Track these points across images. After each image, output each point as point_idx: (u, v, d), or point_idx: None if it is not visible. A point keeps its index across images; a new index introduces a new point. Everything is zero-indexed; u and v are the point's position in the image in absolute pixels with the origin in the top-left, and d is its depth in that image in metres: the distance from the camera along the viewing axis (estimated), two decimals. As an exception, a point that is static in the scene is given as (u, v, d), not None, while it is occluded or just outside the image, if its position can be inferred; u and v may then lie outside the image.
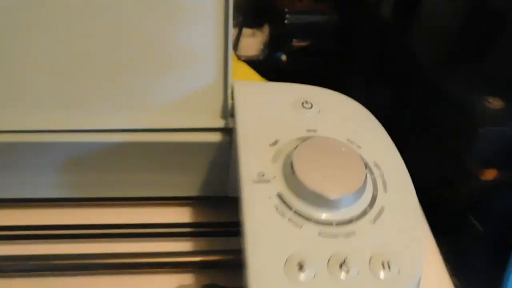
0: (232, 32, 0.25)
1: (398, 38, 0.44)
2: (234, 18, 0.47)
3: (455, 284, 0.29)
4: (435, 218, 0.31)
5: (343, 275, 0.19)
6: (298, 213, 0.20)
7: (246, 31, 0.50)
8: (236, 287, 0.28)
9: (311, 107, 0.26)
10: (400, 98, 0.44)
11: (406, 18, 0.46)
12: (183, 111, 0.27)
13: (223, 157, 0.29)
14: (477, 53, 0.38)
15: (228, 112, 0.27)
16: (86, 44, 0.25)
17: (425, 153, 0.37)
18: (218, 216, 0.33)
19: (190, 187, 0.32)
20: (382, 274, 0.19)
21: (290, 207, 0.21)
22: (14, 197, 0.31)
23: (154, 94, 0.27)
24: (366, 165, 0.23)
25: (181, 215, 0.33)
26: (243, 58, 0.50)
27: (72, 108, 0.27)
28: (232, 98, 0.26)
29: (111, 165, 0.30)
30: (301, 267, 0.19)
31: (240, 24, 0.50)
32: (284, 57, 0.52)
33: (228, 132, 0.27)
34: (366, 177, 0.21)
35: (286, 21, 0.51)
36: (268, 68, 0.51)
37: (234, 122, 0.25)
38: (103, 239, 0.31)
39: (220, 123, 0.27)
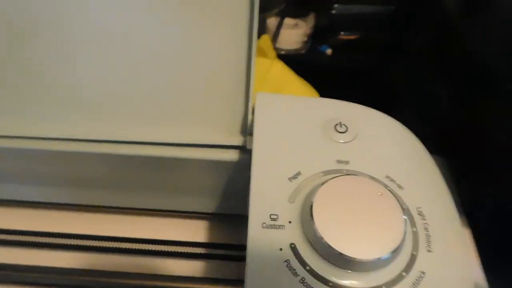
0: (256, 40, 0.21)
1: (464, 33, 0.38)
2: (276, 6, 0.42)
3: None
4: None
5: None
6: (313, 273, 0.16)
7: (288, 21, 0.45)
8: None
9: (346, 130, 0.21)
10: (461, 103, 0.38)
11: (475, 11, 0.39)
12: (200, 125, 0.24)
13: (240, 175, 0.25)
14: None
15: (248, 129, 0.23)
16: (106, 55, 0.22)
17: (488, 166, 0.31)
18: (232, 235, 0.29)
19: (206, 203, 0.29)
20: None
21: (304, 264, 0.17)
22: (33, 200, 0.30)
23: (171, 106, 0.24)
24: (407, 214, 0.18)
25: (195, 230, 0.30)
26: (282, 52, 0.45)
27: (90, 119, 0.24)
28: (253, 113, 0.22)
29: (127, 176, 0.27)
30: None
31: (282, 13, 0.45)
32: (329, 51, 0.47)
33: (247, 151, 0.24)
34: (404, 235, 0.17)
35: (333, 11, 0.45)
36: (310, 63, 0.46)
37: (251, 143, 0.22)
38: (116, 254, 0.29)
39: (238, 140, 0.24)
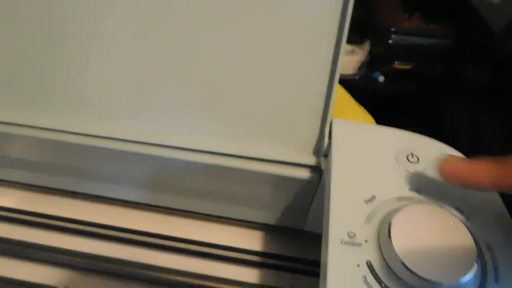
0: (339, 70, 0.23)
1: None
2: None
3: None
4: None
5: None
6: (388, 290, 0.18)
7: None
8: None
9: (417, 161, 0.23)
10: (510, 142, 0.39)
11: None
12: (276, 142, 0.26)
13: (308, 193, 0.27)
14: None
15: (322, 151, 0.25)
16: (188, 67, 0.25)
17: None
18: (290, 248, 0.31)
19: (268, 215, 0.31)
20: None
21: (379, 281, 0.18)
22: (94, 193, 0.33)
23: (247, 120, 0.26)
24: (477, 244, 0.19)
25: (253, 239, 0.32)
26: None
27: (169, 126, 0.27)
28: (329, 137, 0.24)
29: (195, 181, 0.29)
30: None
31: (340, 39, 0.47)
32: (381, 79, 0.49)
33: (317, 170, 0.26)
34: (475, 263, 0.18)
35: (390, 41, 0.47)
36: (363, 89, 0.48)
37: (328, 165, 0.24)
38: (171, 252, 0.31)
39: (311, 160, 0.25)
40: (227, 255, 0.30)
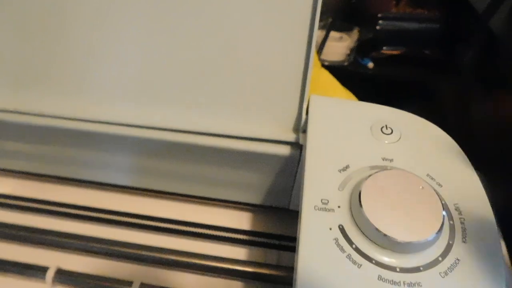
0: (315, 45, 0.24)
1: (509, 53, 0.39)
2: (322, 19, 0.46)
3: None
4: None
5: (400, 329, 0.17)
6: (358, 251, 0.19)
7: (333, 34, 0.48)
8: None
9: (391, 132, 0.23)
10: (502, 120, 0.39)
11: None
12: (256, 121, 0.27)
13: (290, 170, 0.28)
14: None
15: (301, 127, 0.26)
16: (169, 47, 0.26)
17: None
18: (276, 227, 0.32)
19: (253, 195, 0.32)
20: (446, 337, 0.17)
21: (351, 243, 0.19)
22: (90, 179, 0.34)
23: (227, 100, 0.27)
24: (445, 208, 0.20)
25: (240, 220, 0.33)
26: (326, 63, 0.48)
27: (151, 105, 0.28)
28: (307, 113, 0.25)
29: (180, 163, 0.30)
30: (354, 312, 0.17)
31: (328, 26, 0.48)
32: (370, 65, 0.49)
33: (298, 146, 0.26)
34: (442, 222, 0.19)
35: (378, 27, 0.48)
36: (352, 75, 0.48)
37: (305, 139, 0.24)
38: (163, 233, 0.32)
39: (291, 136, 0.26)
40: (216, 234, 0.31)
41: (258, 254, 0.31)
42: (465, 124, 0.44)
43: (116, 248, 0.29)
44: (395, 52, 0.49)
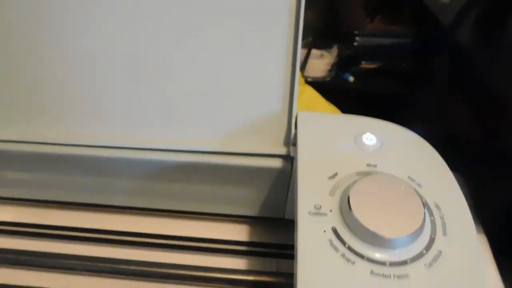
0: (299, 64, 0.26)
1: (476, 61, 0.42)
2: (304, 39, 0.49)
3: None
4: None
5: (393, 318, 0.19)
6: (351, 249, 0.21)
7: (314, 52, 0.51)
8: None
9: (373, 141, 0.26)
10: (475, 124, 0.42)
11: (486, 42, 0.44)
12: (248, 137, 0.29)
13: (283, 181, 0.30)
14: None
15: (291, 141, 0.28)
16: (163, 71, 0.28)
17: (501, 180, 0.35)
18: (273, 237, 0.34)
19: (249, 207, 0.33)
20: (434, 322, 0.19)
21: (344, 243, 0.21)
22: (90, 202, 0.35)
23: (221, 119, 0.29)
24: (426, 206, 0.22)
25: (237, 232, 0.34)
26: (309, 79, 0.51)
27: (146, 127, 0.29)
28: (296, 128, 0.27)
29: (176, 181, 0.32)
30: (351, 305, 0.19)
31: (309, 45, 0.50)
32: (351, 79, 0.52)
33: (289, 159, 0.28)
34: (424, 219, 0.21)
35: (355, 43, 0.51)
36: (335, 89, 0.51)
37: (295, 151, 0.26)
38: (164, 249, 0.33)
39: (282, 150, 0.28)
40: (215, 247, 0.32)
41: (257, 263, 0.32)
42: (441, 130, 0.46)
43: (120, 266, 0.31)
44: (373, 66, 0.52)
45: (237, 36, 0.27)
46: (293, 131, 0.28)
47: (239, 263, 0.32)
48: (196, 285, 0.31)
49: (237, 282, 0.30)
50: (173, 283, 0.31)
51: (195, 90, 0.28)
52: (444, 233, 0.22)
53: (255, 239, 0.34)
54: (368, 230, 0.21)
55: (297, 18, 0.26)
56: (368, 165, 0.24)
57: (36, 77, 0.29)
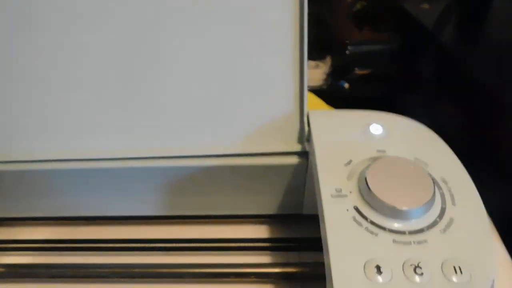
0: (307, 74, 0.29)
1: (460, 60, 0.46)
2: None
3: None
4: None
5: (417, 278, 0.21)
6: (373, 223, 0.23)
7: (310, 63, 0.54)
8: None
9: (380, 130, 0.29)
10: (465, 119, 0.46)
11: (467, 41, 0.47)
12: (263, 138, 0.31)
13: (299, 177, 0.32)
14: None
15: (305, 138, 0.31)
16: (174, 77, 0.30)
17: (491, 173, 0.38)
18: (293, 232, 0.36)
19: (268, 206, 0.36)
20: (454, 278, 0.21)
21: (366, 218, 0.23)
22: (104, 214, 0.37)
23: (235, 123, 0.31)
24: (434, 181, 0.25)
25: (259, 231, 0.36)
26: (308, 89, 0.54)
27: (161, 136, 0.32)
28: (308, 125, 0.30)
29: (195, 187, 0.34)
30: (378, 270, 0.21)
31: (305, 57, 0.54)
32: (347, 85, 0.56)
33: (304, 155, 0.31)
34: (434, 191, 0.24)
35: (347, 52, 0.54)
36: (333, 96, 0.54)
37: (311, 146, 0.29)
38: (192, 252, 0.35)
39: (297, 147, 0.31)
40: (238, 246, 0.34)
41: (280, 257, 0.34)
42: (431, 127, 0.50)
43: (156, 270, 0.33)
44: (365, 72, 0.55)
45: (247, 40, 0.29)
46: (306, 128, 0.30)
47: (262, 259, 0.34)
48: (226, 282, 0.32)
49: (265, 275, 0.32)
50: (199, 282, 0.33)
51: (208, 96, 0.31)
52: (453, 203, 0.24)
53: (276, 235, 0.36)
54: (387, 205, 0.23)
55: (301, 23, 0.29)
56: (378, 151, 0.27)
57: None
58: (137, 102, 0.31)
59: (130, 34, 0.29)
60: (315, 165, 0.27)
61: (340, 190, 0.25)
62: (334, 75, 0.55)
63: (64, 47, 0.30)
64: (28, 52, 0.31)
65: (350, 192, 0.25)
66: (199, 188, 0.34)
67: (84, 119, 0.32)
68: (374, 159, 0.26)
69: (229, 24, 0.29)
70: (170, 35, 0.30)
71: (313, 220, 0.27)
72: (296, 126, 0.31)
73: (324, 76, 0.55)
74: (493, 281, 0.21)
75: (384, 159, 0.25)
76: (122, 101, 0.31)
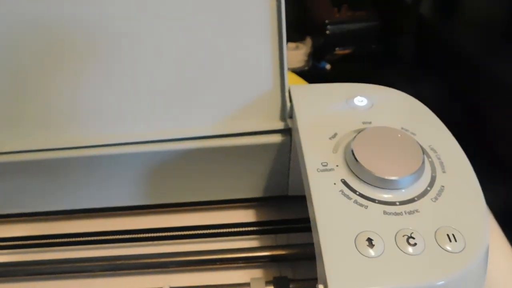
0: (286, 52, 0.28)
1: (440, 32, 0.45)
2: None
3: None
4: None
5: (410, 248, 0.20)
6: (362, 195, 0.22)
7: (290, 45, 0.53)
8: (302, 279, 0.30)
9: (365, 101, 0.28)
10: (447, 91, 0.45)
11: (446, 12, 0.47)
12: (245, 117, 0.30)
13: (283, 156, 0.31)
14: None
15: (287, 114, 0.29)
16: (152, 60, 0.29)
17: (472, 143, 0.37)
18: (280, 214, 0.35)
19: (253, 189, 0.35)
20: (449, 247, 0.20)
21: (354, 191, 0.22)
22: (92, 207, 0.35)
23: (216, 104, 0.30)
24: (423, 149, 0.24)
25: (245, 215, 0.35)
26: (290, 70, 0.53)
27: (139, 120, 0.30)
28: (290, 101, 0.29)
29: (178, 172, 0.33)
30: (370, 243, 0.20)
31: (284, 39, 0.52)
32: (328, 66, 0.55)
33: (287, 132, 0.30)
34: (423, 159, 0.23)
35: (327, 32, 0.53)
36: (314, 77, 0.53)
37: (293, 121, 0.28)
38: (179, 240, 0.34)
39: (279, 125, 0.30)
40: (226, 231, 0.33)
41: (269, 241, 0.33)
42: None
43: (144, 260, 0.31)
44: (346, 52, 0.54)
45: (224, 21, 0.28)
46: (288, 104, 0.29)
47: (251, 243, 0.33)
48: (215, 269, 0.31)
49: (254, 258, 0.31)
50: (190, 270, 0.32)
51: (188, 77, 0.29)
52: (443, 171, 0.23)
53: (263, 218, 0.35)
54: (375, 176, 0.22)
55: (278, 3, 0.27)
56: (364, 122, 0.26)
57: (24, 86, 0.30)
58: (114, 86, 0.29)
59: (108, 16, 0.28)
60: (299, 140, 0.26)
61: (326, 164, 0.24)
62: (314, 56, 0.54)
63: (39, 29, 0.28)
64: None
65: (337, 166, 0.24)
66: (180, 173, 0.33)
67: (57, 106, 0.30)
68: (360, 131, 0.25)
69: (208, 5, 0.28)
70: (149, 17, 0.28)
71: (299, 202, 0.26)
72: (278, 103, 0.30)
73: (305, 58, 0.54)
74: (487, 248, 0.21)
75: (370, 129, 0.24)
76: (97, 85, 0.29)
